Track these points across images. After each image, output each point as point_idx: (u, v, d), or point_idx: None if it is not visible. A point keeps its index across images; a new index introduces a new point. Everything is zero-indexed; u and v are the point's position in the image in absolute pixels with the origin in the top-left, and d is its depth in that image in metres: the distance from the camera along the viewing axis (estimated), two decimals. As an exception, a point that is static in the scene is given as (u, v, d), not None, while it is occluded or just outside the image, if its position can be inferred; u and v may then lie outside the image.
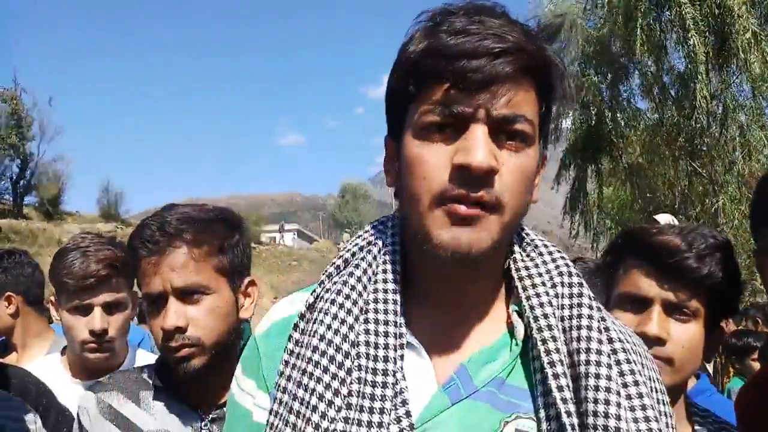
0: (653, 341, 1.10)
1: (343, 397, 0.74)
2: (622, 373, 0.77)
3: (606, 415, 0.72)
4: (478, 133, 0.75)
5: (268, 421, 0.79)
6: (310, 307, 0.83)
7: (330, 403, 0.73)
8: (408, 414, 0.75)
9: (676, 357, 1.11)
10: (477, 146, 0.74)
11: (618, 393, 0.74)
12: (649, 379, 0.81)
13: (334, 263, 0.87)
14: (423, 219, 0.77)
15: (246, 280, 1.43)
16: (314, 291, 0.85)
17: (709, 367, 5.78)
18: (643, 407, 0.75)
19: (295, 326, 0.83)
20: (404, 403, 0.76)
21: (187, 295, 1.30)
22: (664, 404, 0.81)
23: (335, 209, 68.92)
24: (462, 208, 0.75)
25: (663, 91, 13.69)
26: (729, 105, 13.16)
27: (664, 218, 1.34)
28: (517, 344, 0.83)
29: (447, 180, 0.75)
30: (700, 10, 11.97)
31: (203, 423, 1.35)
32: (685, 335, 1.12)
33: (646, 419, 0.74)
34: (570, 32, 14.49)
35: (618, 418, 0.72)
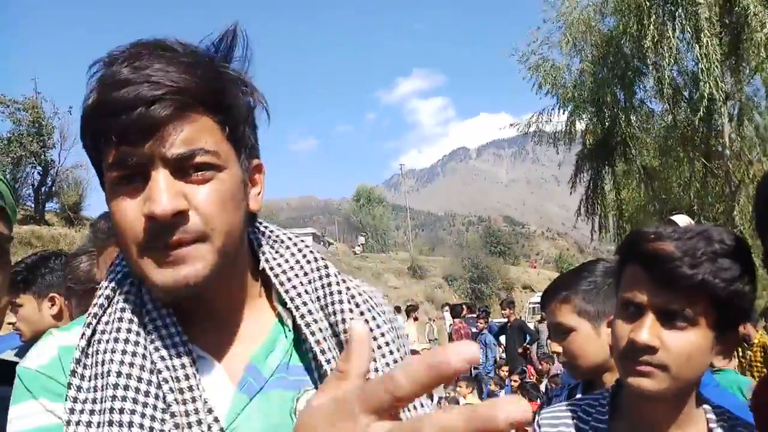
0: (644, 349, 1.09)
1: (161, 421, 0.77)
2: (371, 329, 0.91)
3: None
4: (159, 179, 0.77)
5: None
6: (86, 352, 0.82)
7: (151, 430, 0.76)
8: (216, 420, 0.80)
9: (671, 364, 1.09)
10: (158, 193, 0.76)
11: (376, 348, 0.90)
12: (390, 327, 0.95)
13: (97, 303, 0.87)
14: (134, 266, 0.81)
15: None
16: (83, 335, 0.84)
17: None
18: (390, 352, 0.91)
19: (74, 372, 0.80)
20: (210, 411, 0.81)
21: None
22: (401, 345, 0.95)
23: (350, 213, 69.06)
24: (162, 258, 0.78)
25: (676, 92, 13.58)
26: (744, 105, 13.06)
27: (681, 219, 1.30)
28: (290, 331, 0.91)
29: (143, 230, 0.78)
30: (714, 9, 11.88)
31: None
32: (681, 343, 1.09)
33: (394, 361, 0.90)
34: (585, 33, 14.45)
35: (375, 370, 0.88)
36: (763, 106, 13.42)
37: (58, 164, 20.76)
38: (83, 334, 0.83)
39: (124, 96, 0.75)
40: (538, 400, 6.54)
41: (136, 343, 0.82)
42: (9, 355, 2.18)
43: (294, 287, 0.92)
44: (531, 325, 12.31)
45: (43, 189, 20.49)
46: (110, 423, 0.75)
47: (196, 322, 0.88)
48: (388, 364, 0.89)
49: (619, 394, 1.24)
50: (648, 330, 1.09)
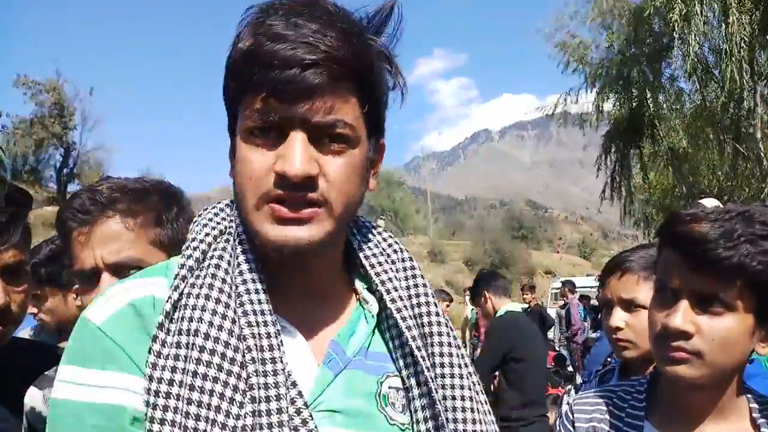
0: (678, 334, 1.07)
1: (242, 392, 0.76)
2: (450, 329, 0.94)
3: (451, 365, 0.89)
4: (297, 140, 0.78)
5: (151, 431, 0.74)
6: (176, 305, 0.81)
7: (232, 401, 0.74)
8: (300, 394, 0.79)
9: (706, 351, 1.07)
10: (293, 155, 0.77)
11: (449, 344, 0.91)
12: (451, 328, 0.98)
13: (192, 255, 0.85)
14: (250, 216, 0.82)
15: None
16: (176, 287, 0.82)
17: None
18: (463, 355, 0.94)
19: (161, 326, 0.79)
20: (294, 384, 0.80)
21: (122, 272, 1.15)
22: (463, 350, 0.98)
23: (369, 196, 69.12)
24: (284, 211, 0.79)
25: (705, 71, 13.16)
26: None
27: (709, 202, 1.27)
28: (373, 316, 0.92)
29: (270, 184, 0.79)
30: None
31: None
32: (717, 329, 1.06)
33: (466, 364, 0.93)
34: (613, 7, 14.10)
35: (459, 366, 0.90)
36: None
37: (80, 146, 21.00)
38: (176, 286, 0.82)
39: (280, 52, 0.76)
40: (560, 386, 6.40)
41: (227, 306, 0.80)
42: (26, 333, 2.31)
43: (385, 271, 0.94)
44: (553, 311, 12.19)
45: (64, 170, 20.75)
46: (191, 387, 0.74)
47: (282, 292, 0.87)
48: (461, 366, 0.91)
49: (657, 382, 1.22)
50: (682, 315, 1.07)
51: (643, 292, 1.68)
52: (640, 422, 1.17)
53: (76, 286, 1.24)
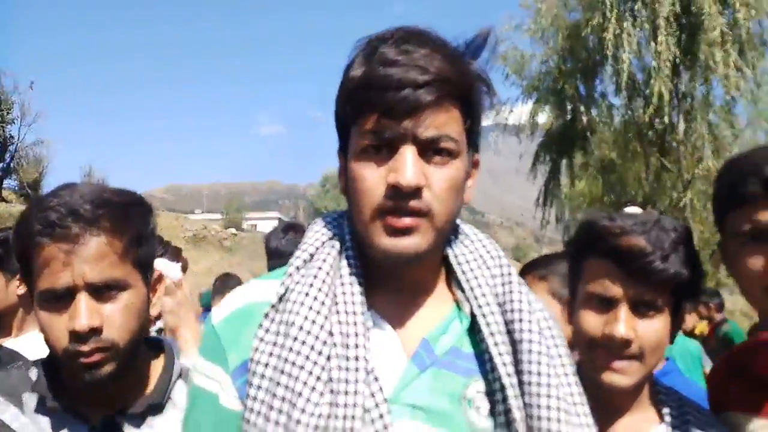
0: (621, 343, 1.12)
1: (324, 382, 0.83)
2: (545, 338, 0.95)
3: (539, 373, 0.91)
4: (407, 154, 0.85)
5: (246, 405, 0.86)
6: (282, 299, 0.90)
7: (313, 389, 0.82)
8: (380, 389, 0.85)
9: (646, 352, 1.14)
10: (405, 167, 0.84)
11: (546, 355, 0.93)
12: (563, 341, 0.99)
13: (300, 257, 0.95)
14: (366, 229, 0.89)
15: (156, 274, 1.28)
16: (283, 283, 0.92)
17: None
18: (563, 365, 0.95)
19: (267, 315, 0.89)
20: (376, 379, 0.86)
21: (102, 291, 1.12)
22: (571, 360, 0.99)
23: (316, 198, 68.51)
24: (396, 221, 0.85)
25: (634, 88, 13.88)
26: (698, 103, 13.43)
27: (633, 210, 1.32)
28: (466, 318, 0.96)
29: (383, 196, 0.86)
30: (673, 7, 12.15)
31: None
32: (652, 330, 1.14)
33: (566, 374, 0.95)
34: (552, 22, 14.57)
35: (548, 375, 0.91)
36: (717, 105, 13.81)
37: (18, 140, 20.03)
38: (283, 282, 0.92)
39: (394, 75, 0.83)
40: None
41: (323, 303, 0.88)
42: None
43: (475, 277, 0.97)
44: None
45: (1, 165, 19.75)
46: (282, 371, 0.84)
47: (382, 291, 0.95)
48: (558, 375, 0.93)
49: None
50: (625, 323, 1.13)
51: (536, 293, 1.72)
52: None
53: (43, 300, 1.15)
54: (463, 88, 0.89)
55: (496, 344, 0.92)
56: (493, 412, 0.91)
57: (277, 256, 2.60)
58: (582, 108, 14.97)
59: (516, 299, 0.95)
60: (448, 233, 0.96)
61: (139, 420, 1.19)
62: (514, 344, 0.93)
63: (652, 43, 12.38)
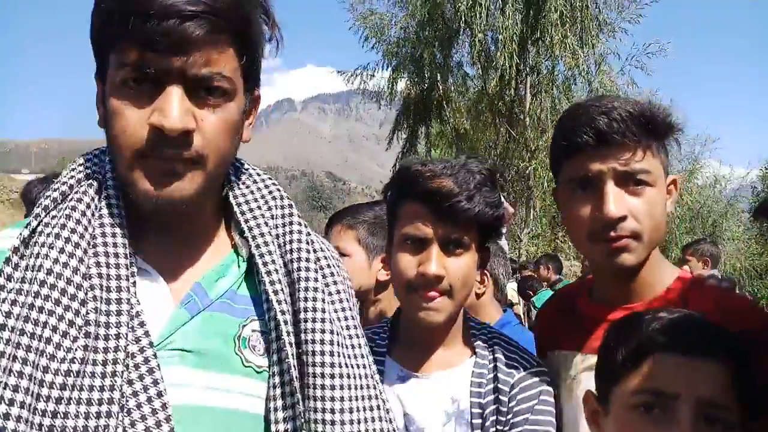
0: (434, 279, 1.19)
1: (78, 327, 0.77)
2: (324, 276, 0.95)
3: (314, 309, 0.90)
4: (174, 94, 0.78)
5: None
6: (26, 242, 0.82)
7: (65, 334, 0.75)
8: (147, 333, 0.80)
9: (455, 288, 1.21)
10: (170, 108, 0.77)
11: (322, 291, 0.92)
12: (343, 279, 1.00)
13: (50, 196, 0.86)
14: (126, 172, 0.82)
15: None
16: (28, 225, 0.83)
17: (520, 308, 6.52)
18: (341, 300, 0.96)
19: (8, 260, 0.80)
20: (142, 324, 0.81)
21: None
22: (350, 296, 1.01)
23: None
24: (158, 168, 0.80)
25: (488, 59, 14.45)
26: (543, 78, 14.33)
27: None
28: (244, 261, 0.94)
29: (144, 138, 0.79)
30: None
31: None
32: (460, 267, 1.21)
33: (342, 309, 0.96)
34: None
35: (323, 310, 0.90)
36: (560, 81, 14.78)
37: None
38: (29, 224, 0.83)
39: (156, 1, 0.74)
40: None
41: (77, 245, 0.81)
42: None
43: (254, 218, 0.95)
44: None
45: None
46: (26, 319, 0.75)
47: (151, 236, 0.89)
48: (336, 311, 0.94)
49: (396, 324, 1.34)
50: (436, 261, 1.19)
51: (344, 241, 1.86)
52: (382, 358, 1.27)
53: None
54: (237, 20, 0.81)
55: (272, 282, 0.90)
56: (269, 351, 0.90)
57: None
58: (439, 76, 15.35)
59: (296, 239, 0.94)
60: (224, 176, 0.92)
61: None
62: (293, 284, 0.92)
63: (500, 17, 12.91)
